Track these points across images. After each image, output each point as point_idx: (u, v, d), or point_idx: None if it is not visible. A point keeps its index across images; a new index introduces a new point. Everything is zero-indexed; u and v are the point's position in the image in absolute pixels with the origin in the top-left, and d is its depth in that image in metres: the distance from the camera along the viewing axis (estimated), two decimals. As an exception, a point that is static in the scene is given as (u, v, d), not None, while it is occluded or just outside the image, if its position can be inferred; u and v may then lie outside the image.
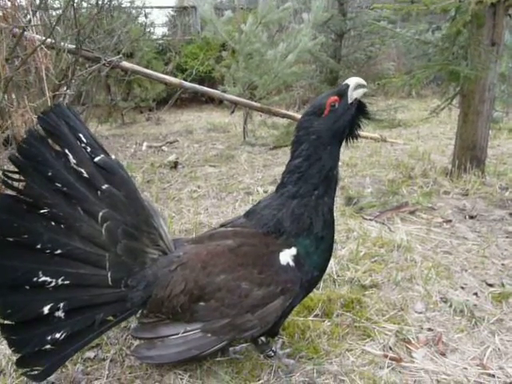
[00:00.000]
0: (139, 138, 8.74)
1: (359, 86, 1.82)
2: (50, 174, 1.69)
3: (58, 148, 1.75)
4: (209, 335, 1.85)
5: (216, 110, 12.94)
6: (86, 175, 1.75)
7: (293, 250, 1.84)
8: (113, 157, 1.84)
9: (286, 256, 1.83)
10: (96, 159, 1.77)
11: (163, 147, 7.74)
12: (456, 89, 5.11)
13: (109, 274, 1.78)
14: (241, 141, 7.89)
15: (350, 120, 1.81)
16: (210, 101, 13.24)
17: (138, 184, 5.32)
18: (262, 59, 7.41)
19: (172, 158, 6.51)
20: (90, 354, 2.20)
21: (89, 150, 1.77)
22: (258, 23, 7.54)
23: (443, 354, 2.13)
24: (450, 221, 3.81)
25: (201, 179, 5.57)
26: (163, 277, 1.88)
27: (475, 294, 2.64)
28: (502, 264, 3.01)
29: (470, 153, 4.94)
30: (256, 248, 1.84)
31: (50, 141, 1.74)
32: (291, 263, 1.83)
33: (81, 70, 7.45)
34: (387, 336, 2.25)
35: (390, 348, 2.17)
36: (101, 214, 1.75)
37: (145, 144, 7.86)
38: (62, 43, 4.87)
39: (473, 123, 4.88)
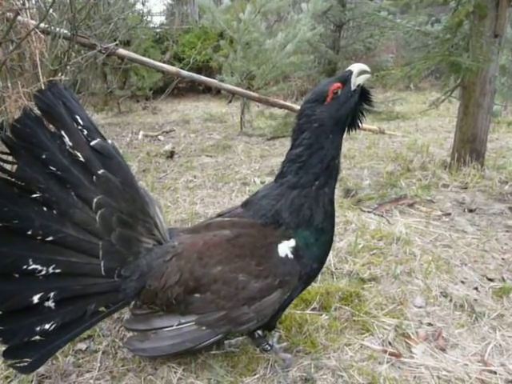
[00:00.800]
0: (135, 126, 8.66)
1: (363, 71, 1.75)
2: (44, 156, 1.60)
3: (53, 129, 1.67)
4: (204, 328, 1.79)
5: (213, 99, 12.86)
6: (81, 159, 1.67)
7: (291, 242, 1.78)
8: (109, 141, 1.76)
9: (285, 248, 1.77)
10: (92, 143, 1.69)
11: (159, 136, 7.68)
12: (457, 81, 5.05)
13: (102, 263, 1.71)
14: (238, 131, 7.83)
15: (353, 107, 1.74)
16: (208, 90, 13.15)
17: (134, 173, 5.19)
18: (261, 49, 7.33)
19: (168, 147, 6.44)
20: (82, 345, 2.14)
21: (85, 132, 1.68)
22: (256, 12, 7.44)
23: (443, 350, 2.09)
24: (449, 214, 3.76)
25: (197, 169, 5.51)
26: (158, 267, 1.82)
27: (475, 288, 2.59)
28: (502, 258, 2.97)
29: (469, 146, 4.89)
30: (254, 239, 1.78)
31: (45, 121, 1.65)
32: (290, 255, 1.78)
33: (76, 57, 7.39)
34: (386, 330, 2.20)
35: (390, 343, 2.12)
36: (95, 200, 1.68)
37: (141, 133, 7.79)
38: (58, 29, 4.79)
39: (473, 116, 4.83)
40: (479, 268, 2.84)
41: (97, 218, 1.68)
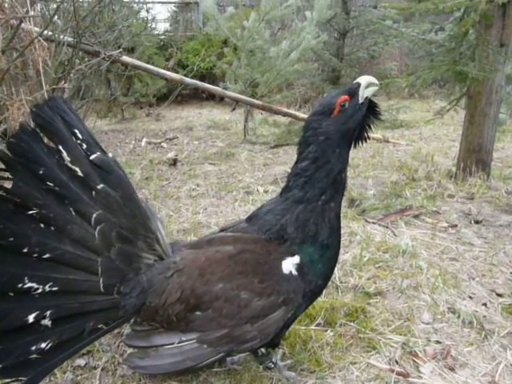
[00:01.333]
0: (139, 133, 8.63)
1: (370, 84, 1.71)
2: (41, 172, 1.56)
3: (51, 144, 1.63)
4: (205, 346, 1.73)
5: (217, 107, 12.84)
6: (80, 174, 1.62)
7: (296, 259, 1.73)
8: (110, 155, 1.72)
9: (289, 264, 1.72)
10: (92, 157, 1.64)
11: (163, 144, 7.64)
12: (462, 90, 5.00)
13: (101, 280, 1.66)
14: (241, 139, 7.78)
15: (360, 121, 1.70)
16: (211, 98, 13.13)
17: (136, 181, 5.22)
18: (265, 56, 7.30)
19: (171, 155, 6.40)
20: (81, 361, 2.09)
21: (84, 146, 1.64)
22: (260, 20, 7.43)
23: (452, 369, 2.03)
24: (456, 225, 3.70)
25: (200, 177, 5.47)
26: (158, 284, 1.77)
27: (484, 304, 2.53)
28: (511, 273, 2.91)
29: (475, 155, 4.84)
30: (257, 255, 1.73)
31: (42, 136, 1.61)
32: (294, 272, 1.72)
33: (80, 64, 7.38)
34: (393, 348, 2.14)
35: (397, 361, 2.06)
36: (94, 215, 1.63)
37: (144, 140, 7.75)
38: (62, 36, 4.77)
39: (479, 125, 4.78)
40: (487, 283, 2.78)
41: (96, 234, 1.63)
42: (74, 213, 1.62)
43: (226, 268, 1.72)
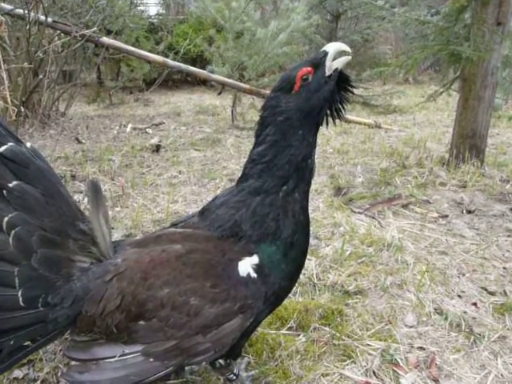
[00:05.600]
0: (125, 119, 8.38)
1: (341, 52, 1.44)
2: None
3: None
4: (151, 360, 1.50)
5: (208, 92, 12.56)
6: None
7: (254, 259, 1.48)
8: (28, 144, 1.45)
9: (247, 265, 1.47)
10: (2, 149, 1.38)
11: (148, 129, 7.40)
12: (456, 72, 4.75)
13: (19, 293, 1.40)
14: (229, 124, 7.53)
15: (327, 97, 1.42)
16: (202, 83, 12.83)
17: (115, 168, 4.97)
18: (253, 39, 7.02)
19: (154, 140, 6.15)
20: (19, 372, 1.85)
21: None
22: (249, 0, 7.13)
23: (436, 381, 1.79)
24: (447, 216, 3.47)
25: (183, 164, 5.24)
26: (96, 289, 1.52)
27: (474, 304, 2.30)
28: (504, 268, 2.68)
29: (468, 141, 4.61)
30: (209, 255, 1.48)
31: None
32: (253, 274, 1.48)
33: (63, 47, 7.07)
34: (371, 356, 1.90)
35: (374, 372, 1.82)
36: (6, 219, 1.37)
37: (129, 126, 7.51)
38: (32, 13, 4.47)
39: (473, 109, 4.53)
40: (478, 279, 2.55)
41: (10, 241, 1.37)
42: None
43: (173, 270, 1.47)
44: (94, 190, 1.57)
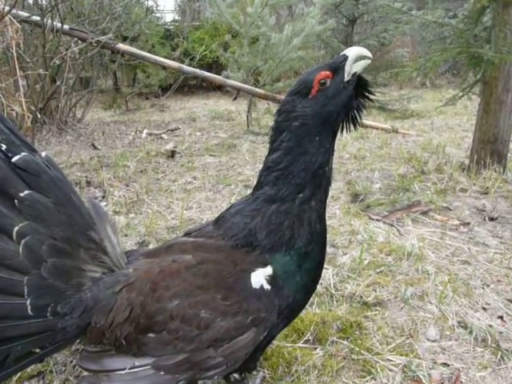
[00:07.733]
0: (141, 124, 8.41)
1: (361, 57, 1.38)
2: None
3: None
4: (162, 373, 1.44)
5: (223, 97, 12.57)
6: None
7: (268, 270, 1.41)
8: (43, 154, 1.42)
9: (260, 277, 1.41)
10: (14, 159, 1.35)
11: (163, 135, 7.41)
12: (477, 75, 4.63)
13: (28, 302, 1.37)
14: (244, 129, 7.49)
15: (345, 102, 1.36)
16: (218, 88, 12.88)
17: (130, 174, 4.96)
18: (268, 43, 7.00)
19: (169, 146, 6.15)
20: (28, 385, 1.81)
21: (4, 147, 1.35)
22: (264, 5, 7.10)
23: (461, 399, 1.71)
24: (468, 223, 3.36)
25: (198, 170, 5.20)
26: (106, 300, 1.47)
27: (500, 317, 2.19)
28: (530, 278, 2.57)
29: (490, 146, 4.48)
30: (221, 266, 1.42)
31: None
32: (266, 286, 1.41)
33: (80, 54, 7.12)
34: (392, 372, 1.81)
35: (395, 389, 1.75)
36: (17, 228, 1.34)
37: (145, 131, 7.53)
38: (49, 21, 4.49)
39: (494, 114, 4.41)
40: (504, 290, 2.44)
41: (20, 250, 1.34)
42: None
43: (183, 282, 1.42)
44: (94, 208, 1.57)
